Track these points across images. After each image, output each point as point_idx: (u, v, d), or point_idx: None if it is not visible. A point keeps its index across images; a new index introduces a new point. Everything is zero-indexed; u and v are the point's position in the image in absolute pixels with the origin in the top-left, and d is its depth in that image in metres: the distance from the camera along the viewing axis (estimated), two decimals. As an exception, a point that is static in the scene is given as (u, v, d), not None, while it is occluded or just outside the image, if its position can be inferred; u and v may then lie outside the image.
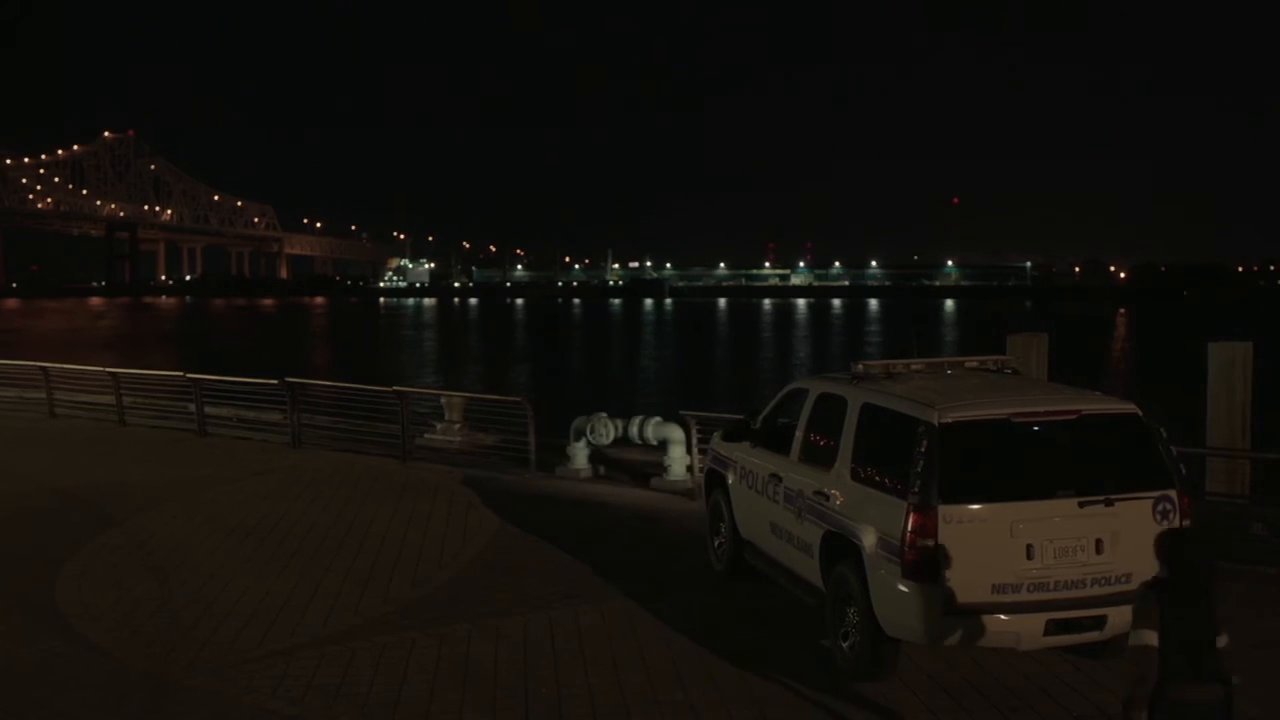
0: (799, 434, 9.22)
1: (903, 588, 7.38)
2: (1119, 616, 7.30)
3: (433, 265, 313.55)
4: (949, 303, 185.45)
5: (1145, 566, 7.16)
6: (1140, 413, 7.91)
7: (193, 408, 20.51)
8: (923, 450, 7.40)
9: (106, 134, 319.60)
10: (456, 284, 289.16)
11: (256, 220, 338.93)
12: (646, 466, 15.97)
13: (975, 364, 9.26)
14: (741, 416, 10.87)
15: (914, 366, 9.03)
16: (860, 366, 8.99)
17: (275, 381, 19.25)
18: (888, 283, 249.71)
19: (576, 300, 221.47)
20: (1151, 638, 5.31)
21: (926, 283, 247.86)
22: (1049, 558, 7.43)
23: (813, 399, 9.25)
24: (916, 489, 7.34)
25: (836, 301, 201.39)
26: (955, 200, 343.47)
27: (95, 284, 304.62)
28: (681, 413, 15.32)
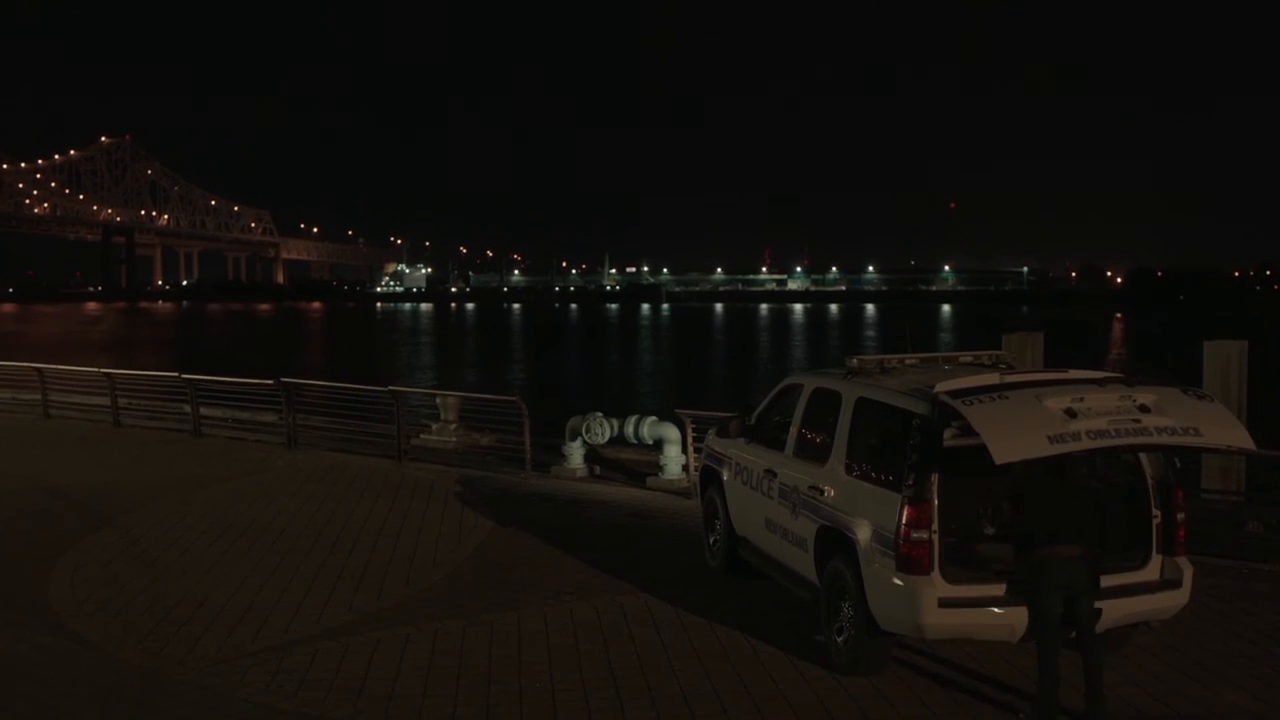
0: (793, 429, 9.20)
1: (897, 581, 7.36)
2: (1115, 610, 7.29)
3: (429, 270, 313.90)
4: (945, 308, 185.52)
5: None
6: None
7: (188, 409, 20.48)
8: (916, 442, 7.39)
9: (103, 138, 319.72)
10: (453, 289, 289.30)
11: (253, 225, 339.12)
12: (642, 466, 15.96)
13: (970, 359, 9.25)
14: (736, 413, 10.85)
15: (909, 361, 9.02)
16: (855, 361, 8.98)
17: (270, 382, 19.20)
18: (884, 288, 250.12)
19: (574, 305, 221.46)
20: None
21: (923, 288, 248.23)
22: None
23: (807, 394, 9.23)
24: (910, 481, 7.32)
25: (834, 306, 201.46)
26: (953, 205, 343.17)
27: (91, 289, 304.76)
28: (677, 411, 15.28)
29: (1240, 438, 7.09)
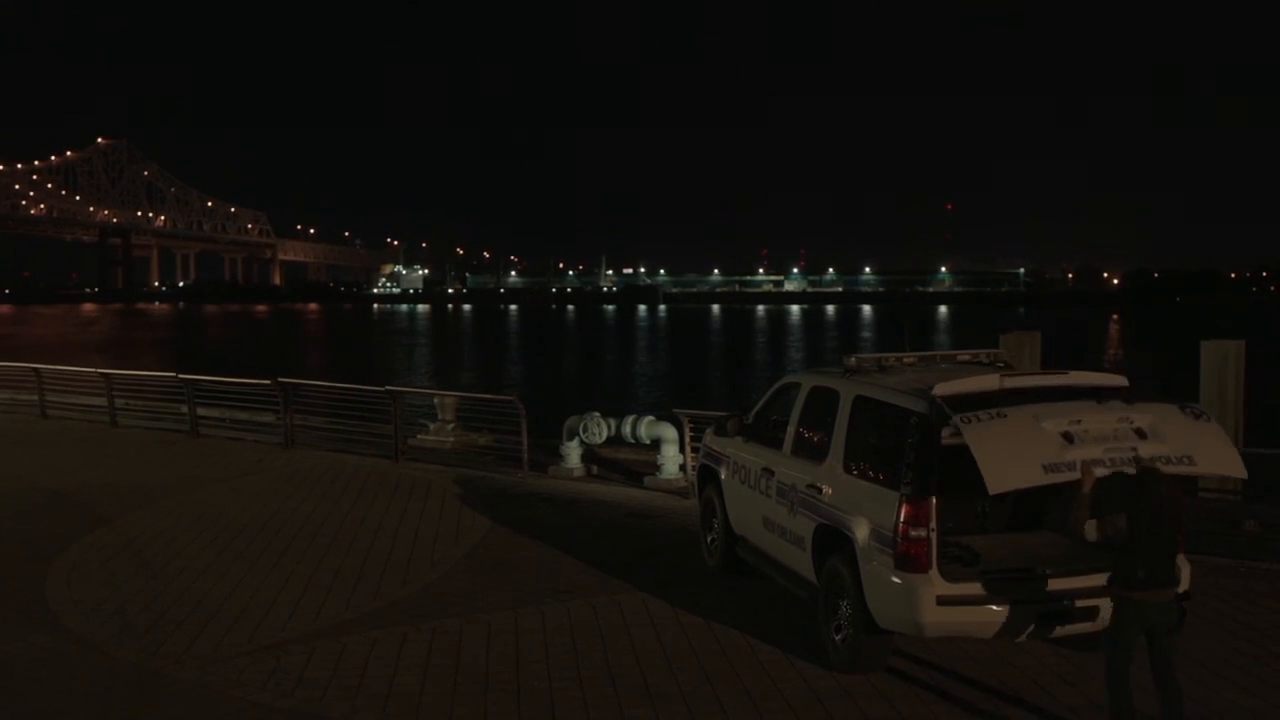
0: (791, 428, 9.19)
1: (895, 579, 7.35)
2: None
3: (426, 271, 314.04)
4: (942, 309, 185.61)
5: None
6: (1129, 385, 7.86)
7: (185, 409, 20.44)
8: (914, 441, 7.38)
9: (100, 139, 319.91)
10: (450, 290, 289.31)
11: (250, 226, 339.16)
12: (640, 465, 15.95)
13: (968, 357, 9.25)
14: (734, 412, 10.84)
15: (906, 360, 9.02)
16: (853, 360, 8.97)
17: (268, 382, 19.17)
18: (881, 289, 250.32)
19: (570, 306, 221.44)
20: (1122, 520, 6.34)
21: (920, 289, 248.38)
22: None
23: (805, 392, 9.22)
24: (909, 479, 7.32)
25: (830, 308, 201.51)
26: (949, 206, 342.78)
27: (88, 290, 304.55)
28: (674, 411, 15.27)
29: (1233, 465, 7.19)
